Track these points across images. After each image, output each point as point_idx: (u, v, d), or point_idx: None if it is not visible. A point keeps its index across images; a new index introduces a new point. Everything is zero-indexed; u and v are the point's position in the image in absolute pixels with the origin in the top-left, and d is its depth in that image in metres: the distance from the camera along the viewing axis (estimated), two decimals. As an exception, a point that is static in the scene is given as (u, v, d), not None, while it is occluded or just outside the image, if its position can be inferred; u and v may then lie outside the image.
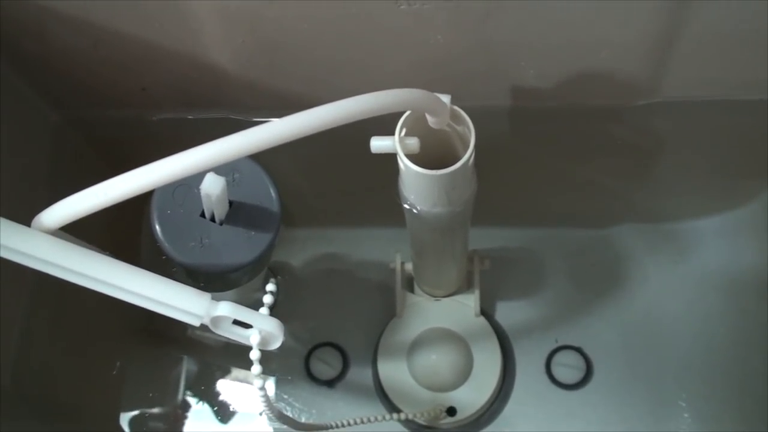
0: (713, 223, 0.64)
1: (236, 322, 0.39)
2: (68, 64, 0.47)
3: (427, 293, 0.63)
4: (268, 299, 0.41)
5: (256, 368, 0.39)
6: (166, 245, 0.44)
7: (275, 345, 0.40)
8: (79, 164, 0.55)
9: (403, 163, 0.43)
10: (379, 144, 0.43)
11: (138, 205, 0.48)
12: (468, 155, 0.42)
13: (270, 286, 0.41)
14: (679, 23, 0.42)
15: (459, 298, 0.63)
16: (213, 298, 0.39)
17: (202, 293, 0.39)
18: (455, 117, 0.43)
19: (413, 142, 0.43)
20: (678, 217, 0.64)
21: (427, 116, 0.42)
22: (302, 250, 0.67)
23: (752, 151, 0.55)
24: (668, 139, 0.53)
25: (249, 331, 0.39)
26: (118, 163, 0.53)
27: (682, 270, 0.65)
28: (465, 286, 0.63)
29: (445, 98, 0.42)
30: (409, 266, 0.63)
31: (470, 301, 0.62)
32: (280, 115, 0.54)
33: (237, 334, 0.39)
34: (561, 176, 0.59)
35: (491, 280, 0.64)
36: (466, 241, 0.56)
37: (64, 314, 0.54)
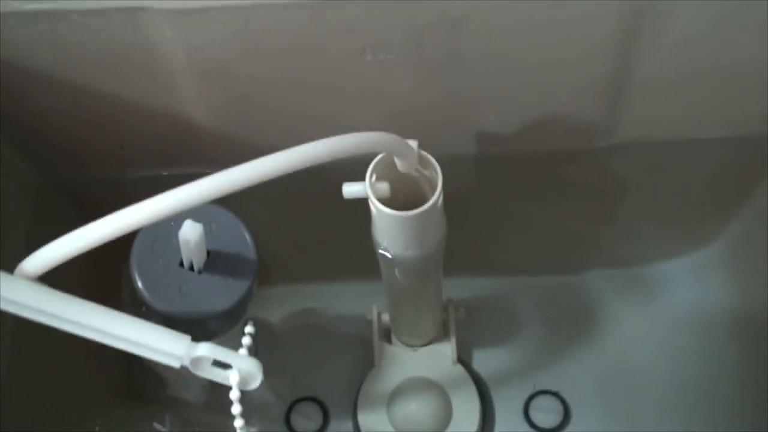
0: (679, 266, 0.66)
1: (216, 364, 0.41)
2: (48, 125, 0.48)
3: (404, 343, 0.64)
4: (246, 341, 0.42)
5: (236, 408, 0.40)
6: (146, 294, 0.46)
7: (254, 384, 0.41)
8: (59, 227, 0.56)
9: (375, 206, 0.45)
10: (350, 189, 0.45)
11: (117, 259, 0.50)
12: (436, 196, 0.44)
13: (248, 329, 0.42)
14: (625, 67, 0.45)
15: (436, 346, 0.64)
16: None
17: (181, 335, 0.40)
18: (422, 161, 0.45)
19: (384, 187, 0.45)
20: (644, 261, 0.66)
21: (396, 160, 0.44)
22: (280, 306, 0.68)
23: (712, 190, 0.57)
24: (629, 181, 0.56)
25: (228, 372, 0.40)
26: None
27: (652, 312, 0.66)
28: (441, 335, 0.64)
29: (413, 143, 0.44)
30: (386, 317, 0.64)
31: (447, 350, 0.63)
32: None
33: (217, 375, 0.40)
34: (528, 224, 0.61)
35: (467, 328, 0.65)
36: (440, 287, 0.58)
37: (41, 375, 0.54)
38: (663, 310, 0.66)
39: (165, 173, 0.53)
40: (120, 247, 0.48)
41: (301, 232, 0.65)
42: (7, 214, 0.52)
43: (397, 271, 0.52)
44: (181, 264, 0.46)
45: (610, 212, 0.59)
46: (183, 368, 0.55)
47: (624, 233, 0.62)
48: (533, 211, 0.59)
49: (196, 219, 0.45)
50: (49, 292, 0.37)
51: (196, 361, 0.39)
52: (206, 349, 0.39)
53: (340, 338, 0.67)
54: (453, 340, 0.63)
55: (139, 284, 0.45)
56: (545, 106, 0.48)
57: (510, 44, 0.43)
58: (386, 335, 0.65)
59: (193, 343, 0.39)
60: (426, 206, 0.44)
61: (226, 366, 0.40)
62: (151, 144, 0.51)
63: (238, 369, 0.40)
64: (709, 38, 0.44)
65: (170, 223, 0.47)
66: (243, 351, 0.41)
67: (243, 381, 0.40)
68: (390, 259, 0.49)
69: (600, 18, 0.42)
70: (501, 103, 0.47)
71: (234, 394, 0.40)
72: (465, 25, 0.42)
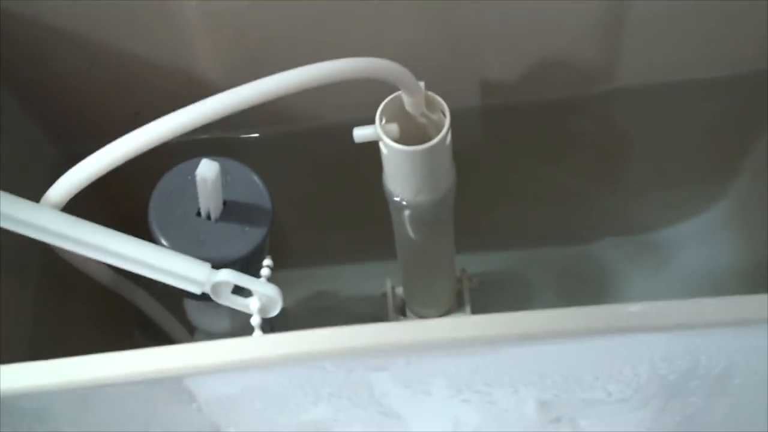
0: (688, 228, 0.67)
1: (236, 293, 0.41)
2: (64, 91, 0.50)
3: (418, 315, 0.65)
4: (265, 272, 0.43)
5: (257, 334, 0.41)
6: (165, 243, 0.46)
7: (275, 311, 0.41)
8: (76, 199, 0.57)
9: (387, 145, 0.46)
10: (361, 132, 0.46)
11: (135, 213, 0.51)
12: (445, 130, 0.45)
13: (267, 261, 0.43)
14: (624, 3, 0.46)
15: (451, 318, 0.64)
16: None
17: (202, 262, 0.40)
18: (430, 103, 0.47)
19: (393, 128, 0.46)
20: (653, 226, 0.67)
21: (404, 97, 0.45)
22: (291, 290, 0.69)
23: (716, 138, 0.58)
24: (632, 131, 0.57)
25: (249, 299, 0.41)
26: (113, 195, 0.55)
27: (665, 277, 0.67)
28: (455, 307, 0.65)
29: (420, 84, 0.46)
30: (399, 291, 0.65)
31: (462, 320, 0.64)
32: (265, 131, 0.57)
33: (237, 303, 0.41)
34: (535, 187, 0.62)
35: (481, 301, 0.66)
36: (452, 249, 0.58)
37: (55, 343, 0.54)
38: (675, 274, 0.66)
39: (179, 140, 0.54)
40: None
41: (309, 213, 0.66)
42: (25, 186, 0.53)
43: (409, 224, 0.52)
44: (198, 214, 0.47)
45: (616, 169, 0.60)
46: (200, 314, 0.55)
47: (631, 196, 0.63)
48: (540, 172, 0.60)
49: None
50: (75, 220, 0.39)
51: (216, 287, 0.40)
52: (227, 275, 0.40)
53: (354, 318, 0.67)
54: (468, 309, 0.64)
55: (158, 233, 0.46)
56: (546, 49, 0.49)
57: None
58: (401, 310, 0.65)
59: (214, 270, 0.40)
60: (435, 140, 0.45)
61: (246, 295, 0.41)
62: (166, 109, 0.52)
63: (259, 295, 0.41)
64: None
65: (187, 176, 0.48)
66: (263, 279, 0.42)
67: (263, 308, 0.41)
68: (403, 208, 0.50)
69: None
70: (503, 46, 0.49)
71: (255, 320, 0.41)
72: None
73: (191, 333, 0.57)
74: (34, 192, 0.54)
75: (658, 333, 0.29)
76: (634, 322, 0.28)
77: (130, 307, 0.54)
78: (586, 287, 0.67)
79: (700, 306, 0.28)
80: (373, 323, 0.30)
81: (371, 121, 0.46)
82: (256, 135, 0.56)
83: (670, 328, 0.29)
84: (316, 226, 0.66)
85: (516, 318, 0.29)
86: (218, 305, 0.44)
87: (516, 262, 0.68)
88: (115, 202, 0.57)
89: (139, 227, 0.49)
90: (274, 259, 0.54)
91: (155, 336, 0.60)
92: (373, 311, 0.67)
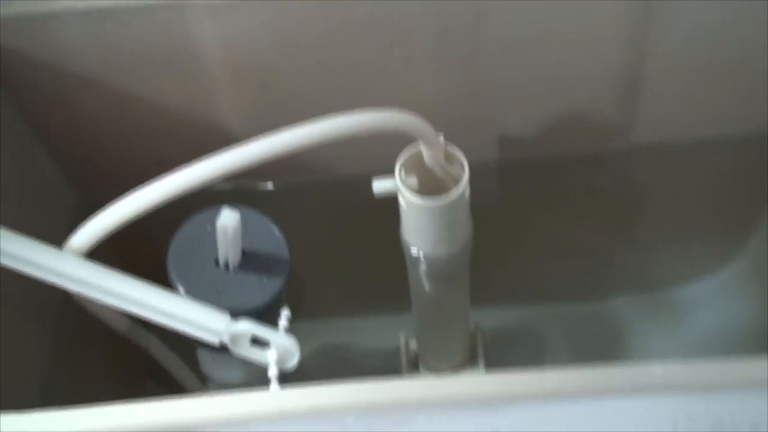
0: (704, 286, 0.66)
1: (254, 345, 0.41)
2: (89, 138, 0.51)
3: (432, 369, 0.64)
4: (283, 323, 0.42)
5: (275, 387, 0.40)
6: (183, 293, 0.46)
7: (292, 362, 0.41)
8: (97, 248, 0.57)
9: (406, 198, 0.46)
10: (381, 185, 0.47)
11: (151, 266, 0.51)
12: (464, 181, 0.45)
13: (285, 312, 0.43)
14: (639, 59, 0.47)
15: (464, 373, 0.64)
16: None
17: (221, 312, 0.41)
18: (449, 156, 0.47)
19: (412, 181, 0.47)
20: (669, 284, 0.67)
21: (423, 149, 0.45)
22: (306, 342, 0.68)
23: (731, 197, 0.58)
24: (648, 189, 0.57)
25: (266, 351, 0.41)
26: (127, 245, 0.55)
27: (681, 337, 0.66)
28: (469, 361, 0.64)
29: (439, 136, 0.46)
30: (413, 344, 0.64)
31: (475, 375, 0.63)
32: (285, 182, 0.58)
33: (254, 354, 0.41)
34: (552, 242, 0.62)
35: (494, 357, 0.65)
36: (467, 302, 0.58)
37: (70, 389, 0.54)
38: (691, 333, 0.66)
39: (199, 191, 0.55)
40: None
41: (323, 265, 0.66)
42: (44, 232, 0.54)
43: (425, 277, 0.52)
44: (217, 263, 0.47)
45: (632, 226, 0.60)
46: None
47: (647, 253, 0.63)
48: (556, 227, 0.60)
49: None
50: (98, 267, 0.39)
51: (234, 337, 0.40)
52: (245, 325, 0.40)
53: (368, 371, 0.67)
54: (481, 364, 0.63)
55: (177, 282, 0.46)
56: (564, 104, 0.50)
57: (529, 37, 0.46)
58: (414, 364, 0.65)
59: (233, 320, 0.40)
60: (456, 193, 0.45)
61: (264, 346, 0.41)
62: (188, 160, 0.53)
63: (276, 346, 0.41)
64: (718, 29, 0.46)
65: (205, 226, 0.48)
66: (281, 331, 0.42)
67: (281, 359, 0.41)
68: (420, 261, 0.50)
69: (612, 10, 0.45)
70: (521, 101, 0.49)
71: (272, 372, 0.40)
72: (487, 18, 0.44)
73: (204, 383, 0.56)
74: (51, 238, 0.54)
75: (680, 394, 0.29)
76: (656, 382, 0.28)
77: (143, 356, 0.54)
78: (600, 345, 0.66)
79: (722, 367, 0.28)
80: (390, 378, 0.30)
81: (387, 172, 0.46)
82: (271, 185, 0.56)
83: (693, 389, 0.28)
84: (330, 278, 0.66)
85: (539, 376, 0.29)
86: (232, 356, 0.44)
87: (530, 318, 0.68)
88: (130, 253, 0.57)
89: (153, 278, 0.49)
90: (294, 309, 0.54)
91: (168, 385, 0.60)
92: (386, 364, 0.66)
